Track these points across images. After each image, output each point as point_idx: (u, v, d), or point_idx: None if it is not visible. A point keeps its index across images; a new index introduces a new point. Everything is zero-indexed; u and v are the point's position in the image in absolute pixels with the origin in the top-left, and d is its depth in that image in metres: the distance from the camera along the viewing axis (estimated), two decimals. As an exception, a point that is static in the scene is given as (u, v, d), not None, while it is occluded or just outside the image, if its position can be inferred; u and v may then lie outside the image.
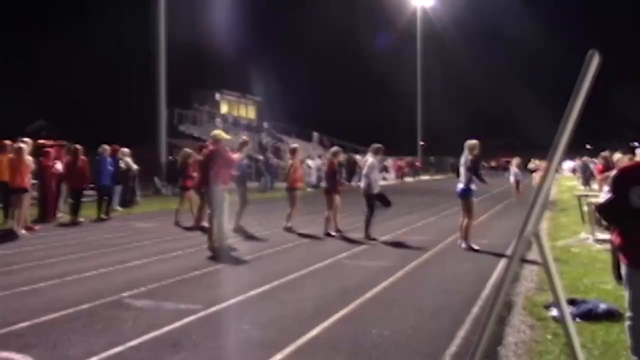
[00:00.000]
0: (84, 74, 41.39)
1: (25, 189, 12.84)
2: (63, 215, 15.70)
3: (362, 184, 12.47)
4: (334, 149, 13.76)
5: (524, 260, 8.51)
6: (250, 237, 12.34)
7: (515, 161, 23.24)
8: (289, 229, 13.12)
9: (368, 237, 11.76)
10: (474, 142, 10.70)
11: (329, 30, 58.70)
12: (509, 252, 9.92)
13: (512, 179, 22.58)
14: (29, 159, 12.98)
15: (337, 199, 12.79)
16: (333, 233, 12.43)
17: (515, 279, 7.61)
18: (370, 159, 12.39)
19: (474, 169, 10.47)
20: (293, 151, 14.19)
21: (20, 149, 12.83)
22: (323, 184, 32.62)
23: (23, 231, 12.36)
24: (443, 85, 66.29)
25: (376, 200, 12.13)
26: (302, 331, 5.48)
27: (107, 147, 16.68)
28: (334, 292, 7.24)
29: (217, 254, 9.84)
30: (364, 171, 12.41)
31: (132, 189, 19.74)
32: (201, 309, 6.28)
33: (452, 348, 5.08)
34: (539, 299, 6.57)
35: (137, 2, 30.37)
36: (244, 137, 14.48)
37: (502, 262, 9.11)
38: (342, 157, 14.08)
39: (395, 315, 6.21)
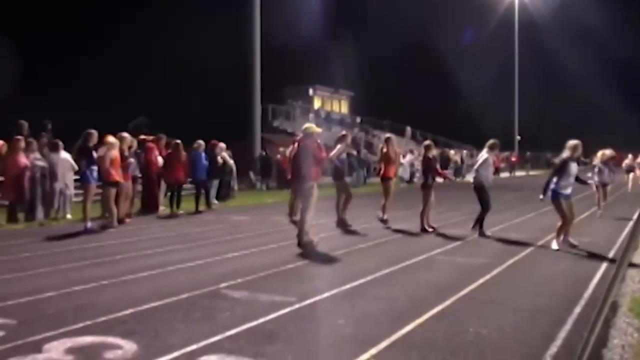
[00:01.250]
0: (182, 71, 42.71)
1: (110, 182, 12.98)
2: (165, 208, 16.28)
3: (472, 179, 12.24)
4: (427, 142, 13.59)
5: (632, 265, 8.11)
6: (346, 231, 12.38)
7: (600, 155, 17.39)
8: (384, 222, 13.08)
9: (482, 234, 11.54)
10: (575, 142, 10.17)
11: (420, 24, 57.94)
12: (611, 254, 9.49)
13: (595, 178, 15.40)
14: (113, 153, 13.13)
15: (432, 194, 12.57)
16: (429, 229, 12.27)
17: (621, 279, 7.25)
18: (485, 154, 12.05)
19: (563, 170, 10.03)
20: (387, 140, 14.07)
21: (105, 143, 13.12)
22: (417, 179, 32.55)
23: (89, 224, 12.47)
24: (539, 80, 64.23)
25: (488, 196, 11.82)
26: (396, 327, 5.43)
27: (202, 142, 17.15)
28: (428, 289, 7.14)
29: (306, 249, 9.90)
30: (476, 166, 12.13)
31: (229, 183, 20.24)
32: (295, 301, 6.34)
33: (552, 349, 4.89)
34: (646, 301, 6.24)
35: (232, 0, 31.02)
36: (344, 131, 14.52)
37: (605, 264, 8.70)
38: (435, 151, 13.81)
39: (492, 314, 6.05)
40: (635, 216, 11.01)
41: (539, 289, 7.18)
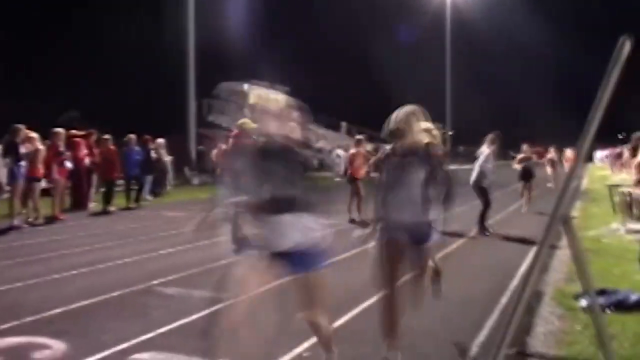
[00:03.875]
0: (115, 65, 41.81)
1: (34, 178, 12.78)
2: (95, 205, 15.94)
3: (473, 175, 11.62)
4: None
5: (553, 247, 8.43)
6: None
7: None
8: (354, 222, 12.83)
9: (483, 231, 11.32)
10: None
11: (354, 21, 58.59)
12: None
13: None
14: (40, 148, 12.98)
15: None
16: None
17: (544, 269, 7.54)
18: (486, 149, 11.70)
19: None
20: (358, 142, 14.09)
21: (29, 139, 12.86)
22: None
23: (15, 222, 12.16)
24: (468, 77, 65.81)
25: (487, 193, 11.44)
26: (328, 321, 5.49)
27: (133, 136, 16.88)
28: (360, 282, 7.23)
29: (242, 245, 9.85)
30: (479, 162, 11.61)
31: (162, 179, 19.96)
32: (229, 297, 6.32)
33: (480, 338, 5.05)
34: (568, 289, 6.49)
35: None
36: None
37: (531, 254, 9.01)
38: (368, 146, 14.39)
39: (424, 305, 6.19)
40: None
41: (469, 280, 7.39)
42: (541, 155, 23.26)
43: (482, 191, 11.49)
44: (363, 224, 12.33)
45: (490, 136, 11.88)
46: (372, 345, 4.81)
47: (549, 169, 22.31)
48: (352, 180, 13.42)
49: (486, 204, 11.44)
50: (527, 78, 65.69)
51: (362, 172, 13.40)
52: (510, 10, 60.51)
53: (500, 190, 12.17)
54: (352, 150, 14.02)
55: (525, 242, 10.01)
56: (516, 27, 63.56)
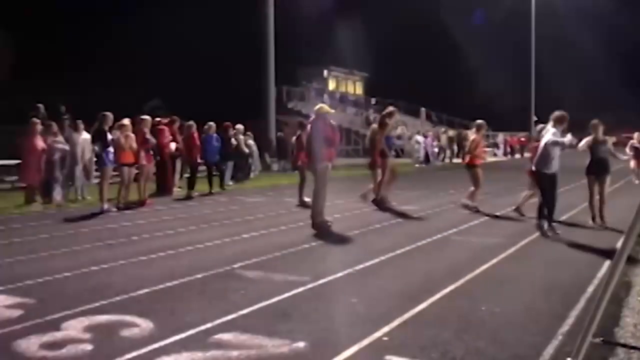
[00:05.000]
0: (196, 53, 42.69)
1: (124, 164, 13.33)
2: (179, 190, 16.39)
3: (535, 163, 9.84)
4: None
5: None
6: (370, 211, 12.37)
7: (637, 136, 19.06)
8: (473, 208, 12.34)
9: (542, 231, 9.53)
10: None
11: (437, 5, 57.47)
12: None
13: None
14: (131, 135, 13.50)
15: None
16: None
17: (635, 259, 7.21)
18: (551, 128, 9.68)
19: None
20: (479, 127, 13.09)
21: (121, 126, 13.46)
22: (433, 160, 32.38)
23: (106, 206, 12.59)
24: (558, 61, 63.54)
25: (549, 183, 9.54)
26: (408, 306, 5.45)
27: (212, 124, 17.18)
28: (442, 268, 7.15)
29: (321, 229, 9.92)
30: (549, 141, 9.44)
31: (244, 165, 20.32)
32: (309, 281, 6.39)
33: (565, 327, 4.89)
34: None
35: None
36: (391, 108, 13.99)
37: (620, 244, 8.63)
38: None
39: (506, 292, 6.06)
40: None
41: (552, 269, 7.17)
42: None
43: (541, 181, 9.76)
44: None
45: (556, 113, 9.71)
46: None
47: (632, 162, 18.29)
48: (471, 166, 12.72)
49: (545, 197, 9.59)
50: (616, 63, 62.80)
51: (480, 158, 12.95)
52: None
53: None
54: (473, 136, 13.14)
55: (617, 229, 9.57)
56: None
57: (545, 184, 9.60)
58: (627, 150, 18.50)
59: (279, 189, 17.46)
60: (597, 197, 10.47)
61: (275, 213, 12.48)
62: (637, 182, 18.63)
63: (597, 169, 10.44)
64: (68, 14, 41.37)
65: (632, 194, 14.49)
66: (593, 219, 10.48)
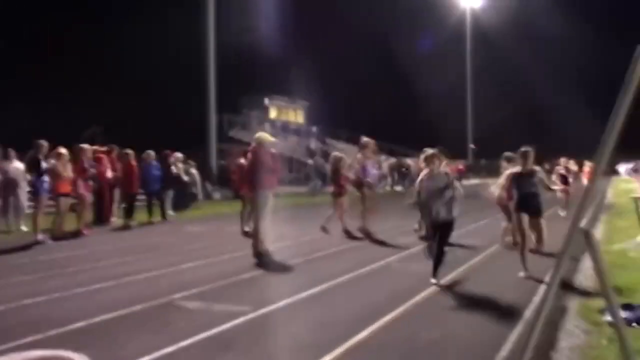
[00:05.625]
0: (136, 80, 42.29)
1: (60, 194, 12.93)
2: (117, 220, 16.07)
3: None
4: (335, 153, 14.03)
5: (574, 259, 8.34)
6: (312, 240, 12.37)
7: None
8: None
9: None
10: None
11: (374, 32, 58.69)
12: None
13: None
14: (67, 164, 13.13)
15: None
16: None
17: (569, 284, 7.44)
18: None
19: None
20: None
21: (58, 155, 13.04)
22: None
23: (40, 236, 12.29)
24: (494, 88, 65.34)
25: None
26: (351, 333, 5.47)
27: (151, 152, 17.01)
28: (384, 295, 7.21)
29: (262, 258, 9.88)
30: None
31: (184, 194, 20.07)
32: (250, 310, 6.34)
33: (502, 353, 4.99)
34: (594, 304, 6.38)
35: (187, 8, 30.99)
36: (365, 138, 14.07)
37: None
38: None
39: (446, 318, 6.15)
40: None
41: (492, 295, 7.31)
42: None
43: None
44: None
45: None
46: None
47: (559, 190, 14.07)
48: None
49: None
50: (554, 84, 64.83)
51: None
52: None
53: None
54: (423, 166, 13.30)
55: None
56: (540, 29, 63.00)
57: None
58: (554, 178, 16.27)
59: (221, 218, 17.33)
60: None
61: (216, 242, 12.36)
62: (563, 214, 16.25)
63: (527, 206, 8.54)
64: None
65: (560, 221, 14.94)
66: (525, 267, 8.35)
